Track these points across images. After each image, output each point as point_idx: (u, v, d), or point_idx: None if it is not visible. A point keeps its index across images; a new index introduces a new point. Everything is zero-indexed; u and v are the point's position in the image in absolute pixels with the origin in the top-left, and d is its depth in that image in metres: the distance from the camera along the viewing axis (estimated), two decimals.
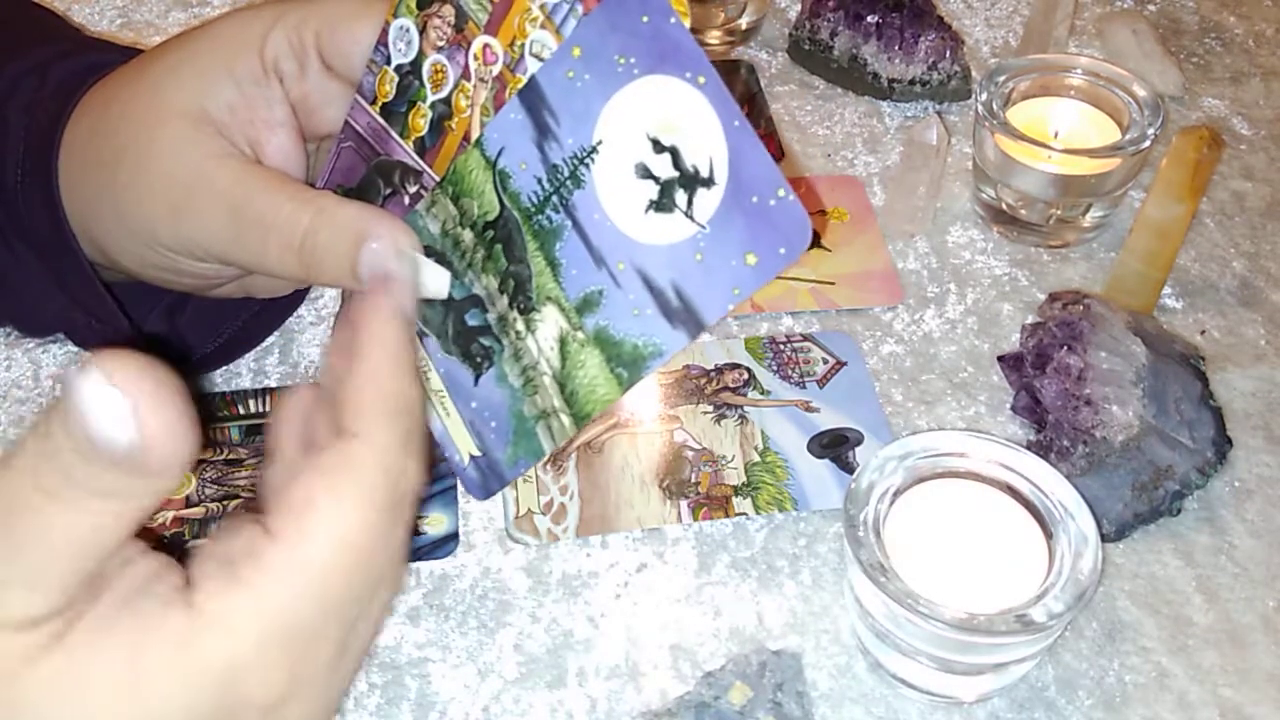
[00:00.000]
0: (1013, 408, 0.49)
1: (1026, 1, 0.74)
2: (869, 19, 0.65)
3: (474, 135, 0.38)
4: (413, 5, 0.39)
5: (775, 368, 0.51)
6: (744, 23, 0.69)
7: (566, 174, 0.35)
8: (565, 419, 0.37)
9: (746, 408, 0.49)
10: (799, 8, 0.69)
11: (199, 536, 0.44)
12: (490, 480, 0.40)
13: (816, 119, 0.65)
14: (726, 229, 0.32)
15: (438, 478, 0.46)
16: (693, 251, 0.32)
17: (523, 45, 0.36)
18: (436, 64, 0.38)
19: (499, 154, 0.36)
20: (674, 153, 0.32)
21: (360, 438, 0.30)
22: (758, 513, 0.45)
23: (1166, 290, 0.55)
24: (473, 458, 0.40)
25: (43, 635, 0.26)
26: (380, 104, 0.40)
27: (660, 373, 0.50)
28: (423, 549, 0.44)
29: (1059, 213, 0.56)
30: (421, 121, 0.39)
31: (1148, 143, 0.54)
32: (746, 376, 0.50)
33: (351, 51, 0.41)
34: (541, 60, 0.35)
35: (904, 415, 0.49)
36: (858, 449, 0.48)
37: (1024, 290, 0.55)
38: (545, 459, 0.46)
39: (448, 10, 0.38)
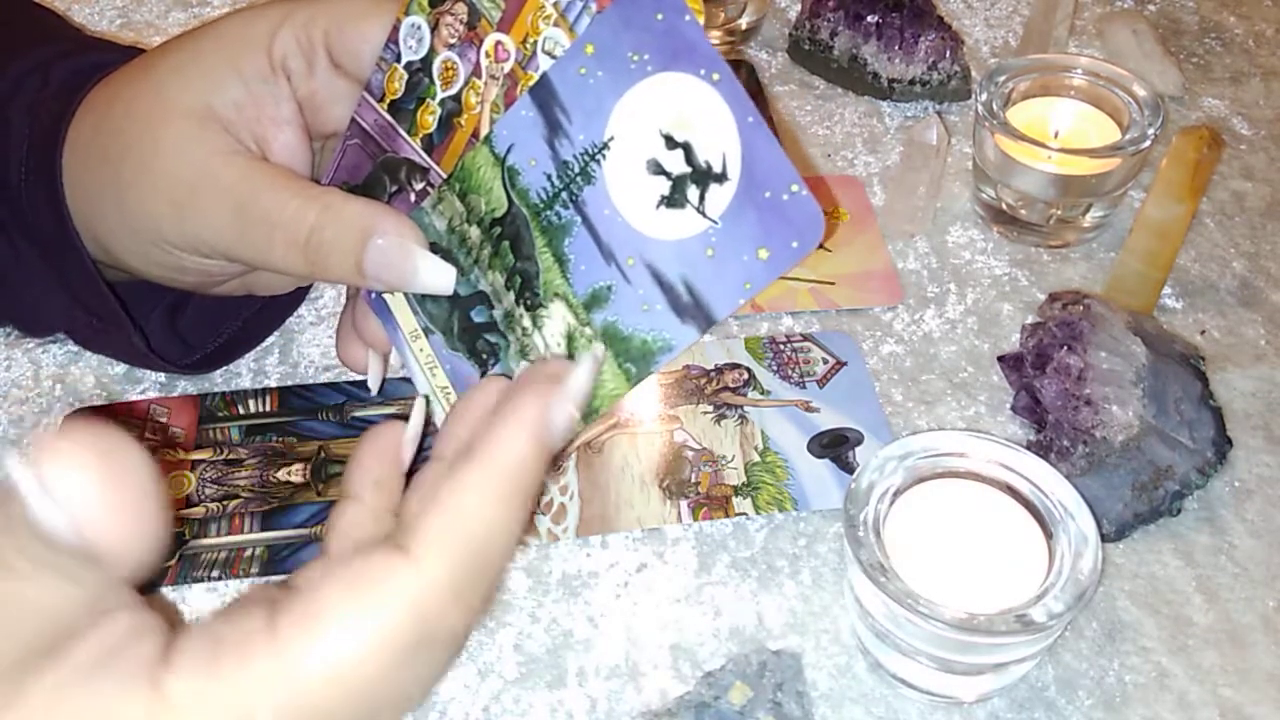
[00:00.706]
0: (1013, 408, 0.49)
1: (1026, 1, 0.74)
2: (869, 19, 0.65)
3: (483, 132, 0.38)
4: (425, 3, 0.39)
5: (775, 368, 0.51)
6: (744, 23, 0.69)
7: (577, 170, 0.35)
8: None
9: (746, 408, 0.49)
10: (799, 8, 0.69)
11: (199, 536, 0.44)
12: None
13: (816, 119, 0.65)
14: (739, 224, 0.32)
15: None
16: (704, 246, 0.32)
17: (535, 42, 0.36)
18: (447, 61, 0.38)
19: (508, 150, 0.36)
20: (687, 149, 0.32)
21: (410, 558, 0.26)
22: (758, 513, 0.45)
23: (1166, 290, 0.55)
24: None
25: None
26: (388, 101, 0.40)
27: (660, 372, 0.50)
28: None
29: (1059, 213, 0.56)
30: (430, 118, 0.39)
31: (1148, 143, 0.54)
32: (746, 376, 0.50)
33: (361, 49, 0.41)
34: (554, 57, 0.35)
35: (904, 415, 0.49)
36: (858, 449, 0.48)
37: (1024, 290, 0.55)
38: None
39: (460, 8, 0.38)
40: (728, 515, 0.45)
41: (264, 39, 0.41)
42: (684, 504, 0.45)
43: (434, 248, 0.39)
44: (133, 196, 0.40)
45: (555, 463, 0.47)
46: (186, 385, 0.50)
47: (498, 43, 0.37)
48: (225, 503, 0.45)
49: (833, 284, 0.55)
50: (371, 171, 0.41)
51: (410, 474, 0.35)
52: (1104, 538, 0.43)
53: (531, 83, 0.36)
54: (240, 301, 0.48)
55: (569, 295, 0.35)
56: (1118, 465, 0.44)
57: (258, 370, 0.51)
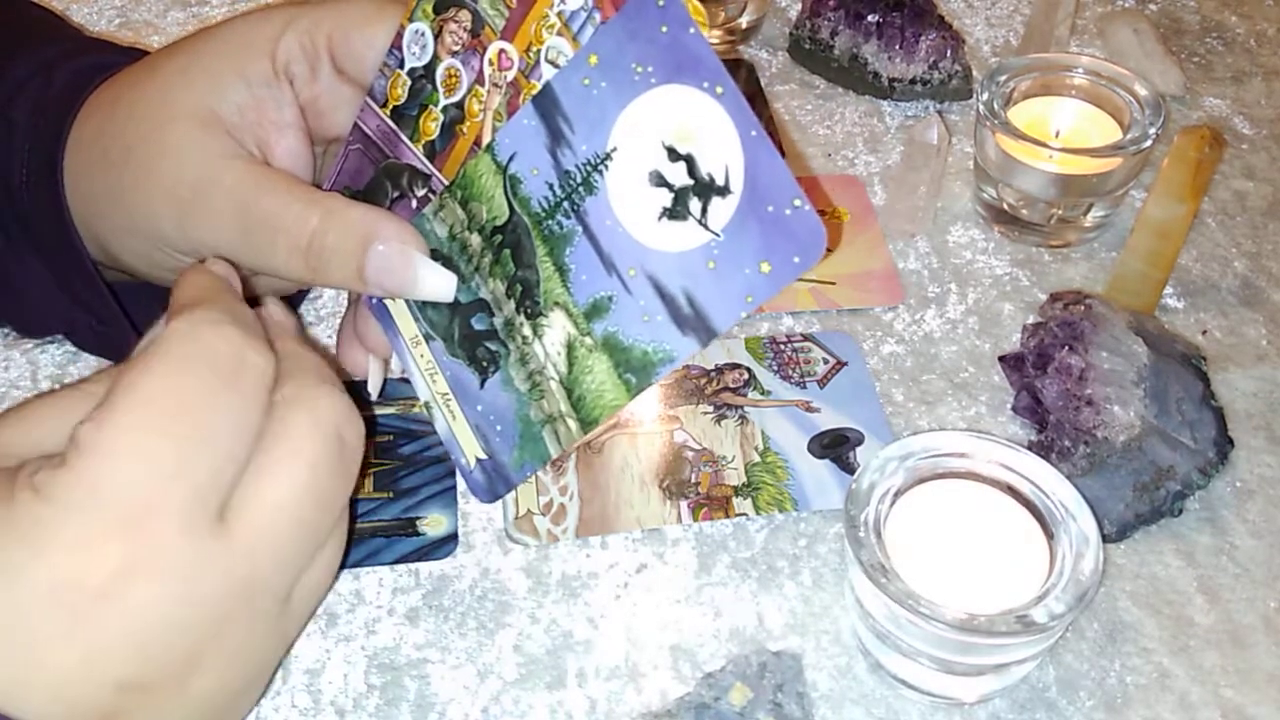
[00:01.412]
0: (1013, 408, 0.49)
1: (1027, 1, 0.74)
2: (869, 18, 0.65)
3: (485, 140, 0.38)
4: (429, 9, 0.39)
5: (775, 368, 0.51)
6: (744, 22, 0.69)
7: (579, 180, 0.35)
8: (572, 423, 0.37)
9: (746, 408, 0.49)
10: (799, 7, 0.69)
11: None
12: (496, 483, 0.40)
13: (817, 119, 0.65)
14: (741, 237, 0.31)
15: (437, 479, 0.46)
16: (705, 259, 0.32)
17: (539, 51, 0.36)
18: (451, 68, 0.38)
19: (510, 159, 0.36)
20: (689, 161, 0.32)
21: (301, 401, 0.34)
22: (758, 513, 0.45)
23: (1168, 290, 0.55)
24: (479, 461, 0.40)
25: None
26: (391, 107, 0.40)
27: None
28: (422, 550, 0.44)
29: (1060, 212, 0.56)
30: (433, 125, 0.39)
31: (1149, 142, 0.54)
32: (746, 376, 0.50)
33: (364, 55, 0.41)
34: (557, 66, 0.35)
35: (904, 415, 0.49)
36: (858, 449, 0.47)
37: (1025, 290, 0.55)
38: (550, 462, 0.46)
39: (464, 15, 0.38)
40: (728, 516, 0.45)
41: (268, 43, 0.41)
42: (684, 504, 0.45)
43: (435, 254, 0.39)
44: (135, 198, 0.40)
45: (556, 464, 0.47)
46: None
47: (501, 51, 0.37)
48: None
49: (833, 284, 0.54)
50: (373, 177, 0.41)
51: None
52: (1105, 538, 0.43)
53: (535, 92, 0.36)
54: None
55: (569, 305, 0.35)
56: (1119, 465, 0.44)
57: None
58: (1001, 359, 0.51)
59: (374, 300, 0.42)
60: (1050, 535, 0.39)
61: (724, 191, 0.32)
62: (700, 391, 0.50)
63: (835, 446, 0.48)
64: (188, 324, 0.32)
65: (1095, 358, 0.45)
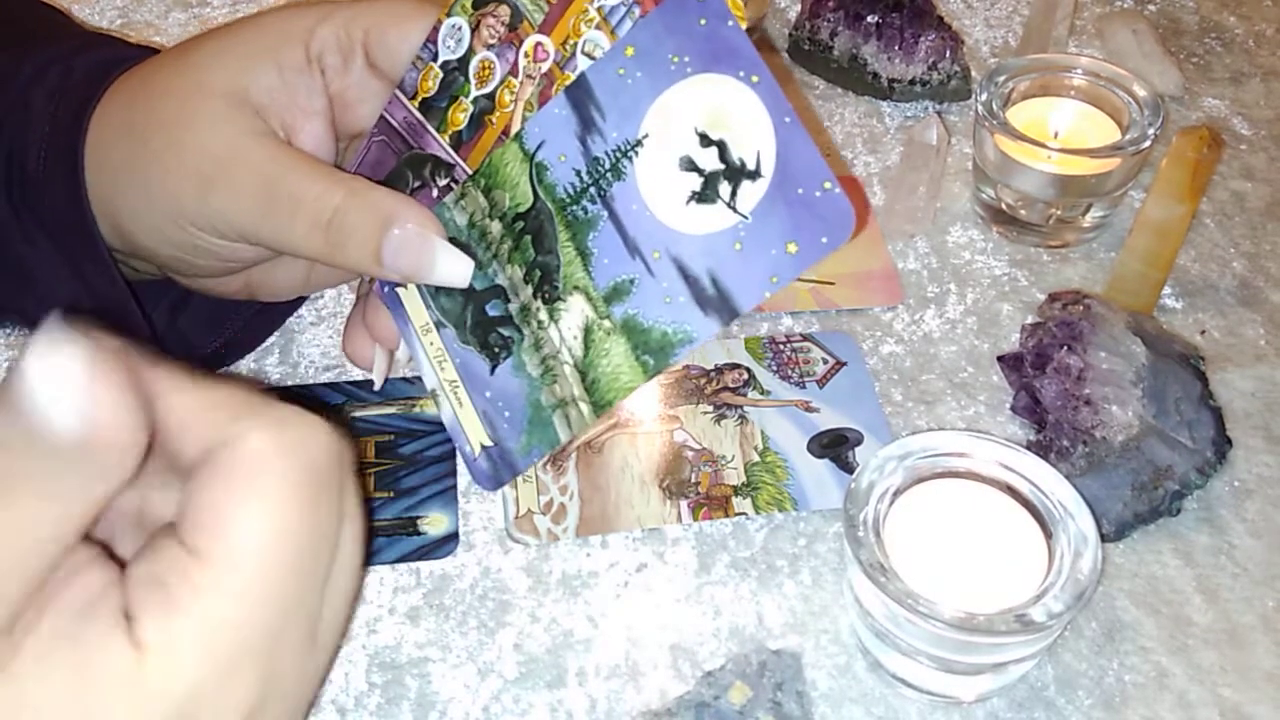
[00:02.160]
0: (1012, 408, 0.49)
1: (1026, 1, 0.74)
2: (869, 19, 0.65)
3: (514, 130, 0.38)
4: (468, 4, 0.39)
5: (775, 368, 0.51)
6: (744, 16, 0.69)
7: (607, 166, 0.35)
8: (584, 407, 0.37)
9: (746, 408, 0.49)
10: (799, 8, 0.69)
11: None
12: (501, 470, 0.40)
13: (817, 119, 0.65)
14: (769, 218, 0.32)
15: (437, 478, 0.46)
16: (732, 240, 0.33)
17: (575, 44, 0.36)
18: (485, 60, 0.39)
19: (539, 147, 0.37)
20: (721, 146, 0.33)
21: (246, 429, 0.27)
22: (758, 513, 0.45)
23: (1166, 290, 0.55)
24: (484, 448, 0.40)
25: None
26: (420, 99, 0.41)
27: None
28: (423, 549, 0.44)
29: (1059, 213, 0.56)
30: (461, 116, 0.40)
31: (1148, 143, 0.54)
32: (746, 376, 0.50)
33: (399, 49, 0.42)
34: (593, 59, 0.36)
35: (904, 415, 0.49)
36: (858, 449, 0.48)
37: (1024, 290, 0.55)
38: (560, 448, 0.46)
39: (503, 10, 0.38)
40: (728, 515, 0.45)
41: (304, 33, 0.42)
42: (684, 504, 0.45)
43: (453, 242, 0.39)
44: (159, 169, 0.40)
45: (556, 463, 0.47)
46: None
47: (538, 44, 0.37)
48: None
49: (833, 284, 0.55)
50: (395, 168, 0.42)
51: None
52: (1104, 538, 0.43)
53: (568, 83, 0.36)
54: (241, 302, 0.48)
55: (589, 288, 0.36)
56: (1117, 465, 0.44)
57: (257, 370, 0.51)
58: (1000, 359, 0.51)
59: (385, 288, 0.42)
60: (1049, 535, 0.39)
61: (754, 175, 0.32)
62: (700, 391, 0.50)
63: (834, 446, 0.48)
64: (287, 444, 0.27)
65: (1094, 358, 0.46)
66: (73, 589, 0.25)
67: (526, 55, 0.38)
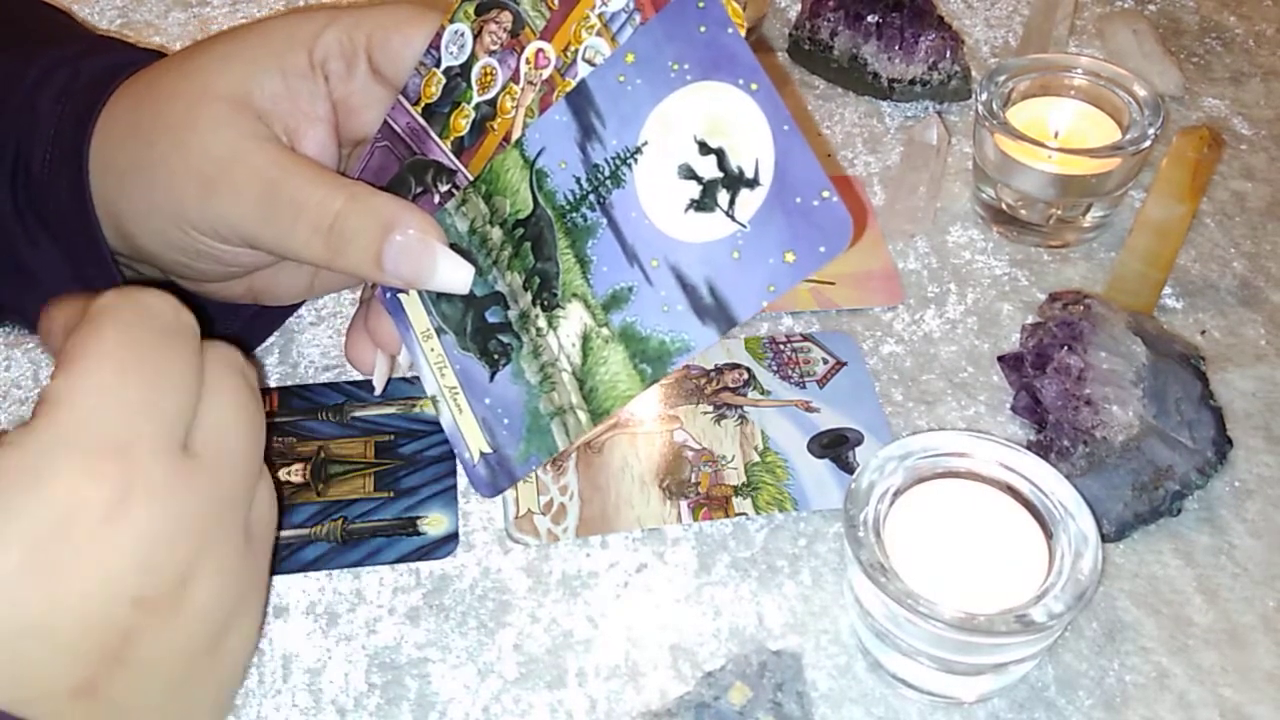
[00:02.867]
0: (1013, 408, 0.49)
1: (1026, 1, 0.74)
2: (869, 19, 0.65)
3: (515, 136, 0.38)
4: (471, 11, 0.39)
5: (775, 368, 0.51)
6: (744, 23, 0.69)
7: (607, 173, 0.35)
8: (582, 415, 0.37)
9: (746, 408, 0.49)
10: (799, 8, 0.69)
11: None
12: (499, 477, 0.40)
13: (817, 119, 0.65)
14: (767, 227, 0.32)
15: (437, 479, 0.46)
16: (730, 249, 0.33)
17: (576, 51, 0.36)
18: (487, 66, 0.39)
19: (539, 154, 0.37)
20: (720, 154, 0.33)
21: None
22: (758, 513, 0.45)
23: (1167, 290, 0.55)
24: (483, 455, 0.40)
25: None
26: (423, 105, 0.41)
27: None
28: (423, 549, 0.44)
29: (1059, 213, 0.56)
30: (464, 122, 0.40)
31: (1148, 143, 0.54)
32: (746, 376, 0.50)
33: (402, 56, 0.42)
34: (594, 65, 0.36)
35: (904, 415, 0.49)
36: (858, 449, 0.48)
37: (1024, 290, 0.55)
38: (557, 456, 0.46)
39: (505, 16, 0.38)
40: (728, 515, 0.45)
41: (308, 39, 0.42)
42: (684, 504, 0.45)
43: (454, 248, 0.39)
44: (161, 172, 0.40)
45: (556, 463, 0.47)
46: None
47: (539, 50, 0.37)
48: None
49: (833, 284, 0.55)
50: (397, 174, 0.42)
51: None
52: (1104, 538, 0.43)
53: (569, 89, 0.36)
54: (241, 304, 0.48)
55: (588, 296, 0.36)
56: (1118, 465, 0.44)
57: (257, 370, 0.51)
58: (1000, 359, 0.51)
59: (387, 294, 0.42)
60: (1049, 535, 0.39)
61: (753, 184, 0.32)
62: (700, 391, 0.50)
63: (835, 446, 0.48)
64: (123, 294, 0.34)
65: (1094, 358, 0.46)
66: None
67: (528, 61, 0.38)
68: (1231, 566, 0.44)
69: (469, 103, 0.40)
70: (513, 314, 0.38)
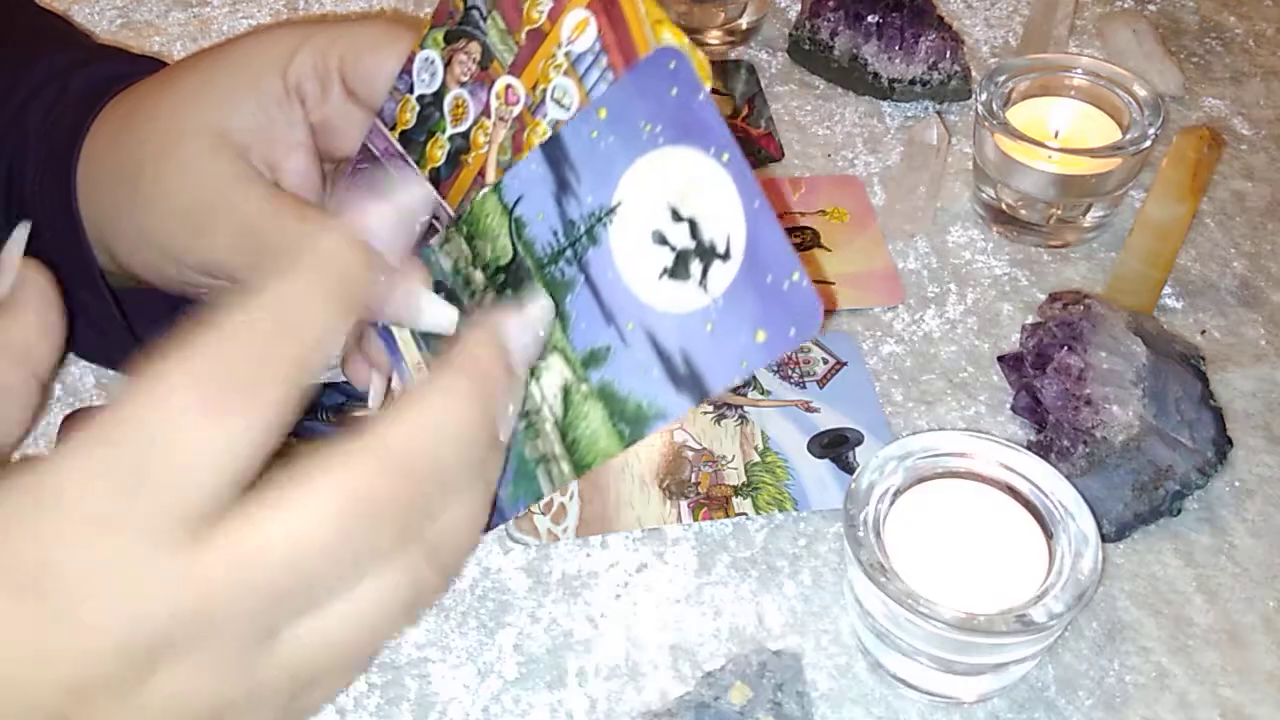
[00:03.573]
0: (1013, 408, 0.49)
1: (1026, 1, 0.74)
2: (869, 19, 0.65)
3: (489, 172, 0.38)
4: (440, 39, 0.39)
5: (775, 367, 0.51)
6: (744, 23, 0.69)
7: (583, 230, 0.35)
8: (565, 465, 0.37)
9: (746, 407, 0.49)
10: (799, 8, 0.69)
11: None
12: (491, 516, 0.40)
13: (816, 119, 0.65)
14: (739, 304, 0.32)
15: None
16: (704, 321, 0.32)
17: (545, 90, 0.36)
18: (458, 98, 0.39)
19: (517, 201, 0.36)
20: (692, 224, 0.32)
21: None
22: (758, 513, 0.45)
23: (1167, 290, 0.55)
24: None
25: None
26: (399, 131, 0.41)
27: None
28: None
29: (1059, 213, 0.56)
30: (439, 153, 0.40)
31: (1148, 143, 0.54)
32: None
33: (375, 76, 0.41)
34: (562, 105, 0.36)
35: (904, 415, 0.49)
36: (858, 449, 0.48)
37: (1024, 290, 0.55)
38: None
39: (474, 47, 0.38)
40: (728, 515, 0.45)
41: (280, 61, 0.41)
42: (684, 504, 0.45)
43: (439, 286, 0.39)
44: (146, 215, 0.40)
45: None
46: None
47: (508, 86, 0.37)
48: None
49: (833, 284, 0.55)
50: None
51: None
52: (1104, 538, 0.43)
53: (543, 136, 0.36)
54: None
55: (568, 350, 0.35)
56: (1118, 465, 0.44)
57: None
58: (1000, 359, 0.51)
59: (380, 324, 0.42)
60: (1049, 535, 0.39)
61: (724, 257, 0.32)
62: None
63: (835, 446, 0.48)
64: None
65: (1094, 358, 0.46)
66: None
67: (498, 96, 0.38)
68: (1232, 566, 0.44)
69: (443, 134, 0.39)
70: None
